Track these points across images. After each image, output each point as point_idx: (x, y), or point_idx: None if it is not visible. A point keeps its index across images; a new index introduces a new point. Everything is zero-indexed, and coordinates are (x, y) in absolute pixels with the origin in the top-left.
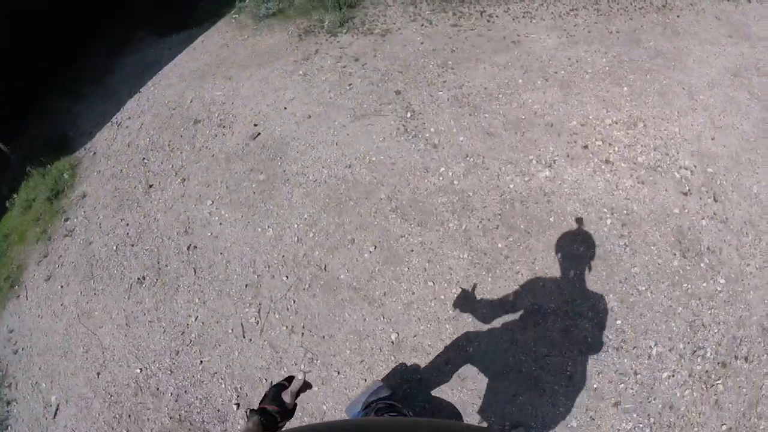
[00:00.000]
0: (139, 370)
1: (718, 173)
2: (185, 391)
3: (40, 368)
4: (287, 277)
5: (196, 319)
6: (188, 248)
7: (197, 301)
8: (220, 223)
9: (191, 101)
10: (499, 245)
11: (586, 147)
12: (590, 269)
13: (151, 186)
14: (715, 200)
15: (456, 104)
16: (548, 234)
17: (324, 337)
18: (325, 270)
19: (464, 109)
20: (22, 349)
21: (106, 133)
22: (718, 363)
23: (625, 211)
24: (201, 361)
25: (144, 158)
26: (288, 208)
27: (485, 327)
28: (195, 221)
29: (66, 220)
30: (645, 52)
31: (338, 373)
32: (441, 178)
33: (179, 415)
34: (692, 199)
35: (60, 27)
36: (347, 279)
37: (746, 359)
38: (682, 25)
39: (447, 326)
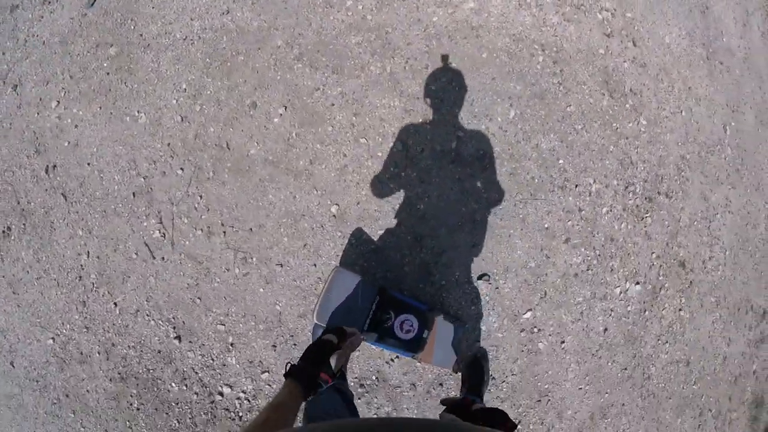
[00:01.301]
0: (51, 340)
1: (636, 19)
2: (113, 344)
3: None
4: (182, 169)
5: (88, 256)
6: (46, 171)
7: (81, 233)
8: (76, 126)
9: None
10: (433, 87)
11: None
12: (529, 108)
13: None
14: (635, 45)
15: None
16: (482, 72)
17: (251, 229)
18: (228, 148)
19: None
20: None
21: None
22: (646, 198)
23: (555, 48)
24: (115, 304)
25: None
26: (158, 82)
27: (432, 180)
28: (44, 133)
29: None
30: None
31: (281, 266)
32: (350, 13)
33: (119, 374)
34: (614, 42)
35: None
36: (259, 154)
37: (667, 195)
38: None
39: (390, 185)
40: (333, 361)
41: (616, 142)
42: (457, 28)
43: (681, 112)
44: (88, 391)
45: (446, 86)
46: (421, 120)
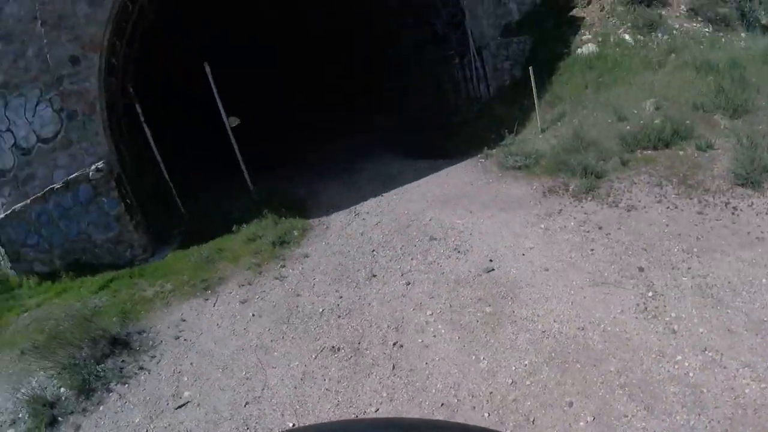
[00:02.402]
0: (291, 425)
1: None
2: None
3: (191, 363)
4: (488, 414)
5: (376, 411)
6: (394, 344)
7: (385, 395)
8: (434, 336)
9: (430, 220)
10: None
11: None
12: None
13: (374, 276)
14: None
15: (699, 293)
16: None
17: None
18: (533, 423)
19: (707, 300)
20: (185, 339)
21: (343, 217)
22: None
23: None
24: None
25: (374, 250)
26: (509, 349)
27: None
28: (409, 324)
29: (282, 266)
30: None
31: None
32: (676, 367)
33: None
34: None
35: None
36: None
37: None
38: None
39: None
40: None
41: None
42: (765, 403)
43: None
44: None
45: None
46: None
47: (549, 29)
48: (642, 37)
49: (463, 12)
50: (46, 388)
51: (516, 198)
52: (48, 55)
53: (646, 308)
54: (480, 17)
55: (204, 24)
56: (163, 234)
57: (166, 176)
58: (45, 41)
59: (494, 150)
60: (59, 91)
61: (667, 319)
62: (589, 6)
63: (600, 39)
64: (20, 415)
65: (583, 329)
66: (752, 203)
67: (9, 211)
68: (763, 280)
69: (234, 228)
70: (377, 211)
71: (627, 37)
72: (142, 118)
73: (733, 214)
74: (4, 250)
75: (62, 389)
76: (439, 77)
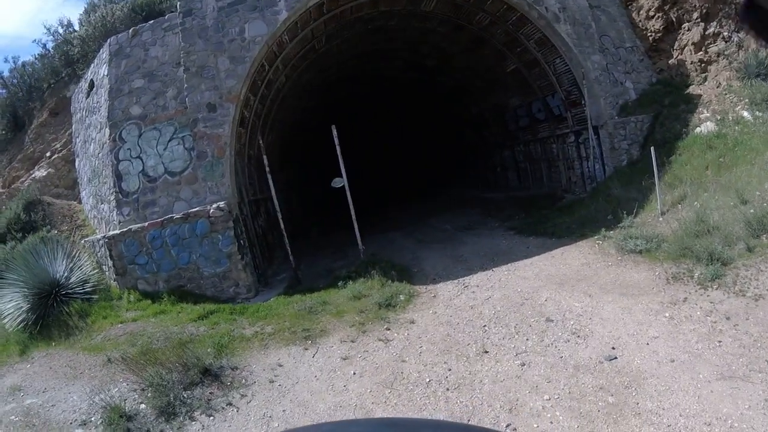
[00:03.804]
0: None
1: None
2: None
3: (284, 410)
4: None
5: None
6: (507, 426)
7: None
8: (551, 422)
9: (546, 300)
10: None
11: None
12: None
13: (486, 352)
14: None
15: None
16: None
17: None
18: None
19: None
20: (279, 385)
21: (451, 288)
22: None
23: None
24: None
25: (485, 326)
26: None
27: None
28: (524, 406)
29: (387, 329)
30: None
31: None
32: None
33: None
34: None
35: None
36: None
37: None
38: None
39: None
40: None
41: None
42: None
43: None
44: None
45: None
46: None
47: (666, 108)
48: (761, 113)
49: (580, 91)
50: (125, 400)
51: (637, 283)
52: (186, 99)
53: None
54: (597, 96)
55: (327, 87)
56: (270, 279)
57: (281, 225)
58: (185, 85)
59: (612, 232)
60: (193, 132)
61: None
62: (706, 83)
63: (718, 117)
64: (92, 419)
65: (709, 425)
66: None
67: (125, 229)
68: None
69: (340, 284)
70: (487, 285)
71: (746, 114)
72: (268, 169)
73: None
74: (112, 263)
75: (143, 405)
76: (553, 155)
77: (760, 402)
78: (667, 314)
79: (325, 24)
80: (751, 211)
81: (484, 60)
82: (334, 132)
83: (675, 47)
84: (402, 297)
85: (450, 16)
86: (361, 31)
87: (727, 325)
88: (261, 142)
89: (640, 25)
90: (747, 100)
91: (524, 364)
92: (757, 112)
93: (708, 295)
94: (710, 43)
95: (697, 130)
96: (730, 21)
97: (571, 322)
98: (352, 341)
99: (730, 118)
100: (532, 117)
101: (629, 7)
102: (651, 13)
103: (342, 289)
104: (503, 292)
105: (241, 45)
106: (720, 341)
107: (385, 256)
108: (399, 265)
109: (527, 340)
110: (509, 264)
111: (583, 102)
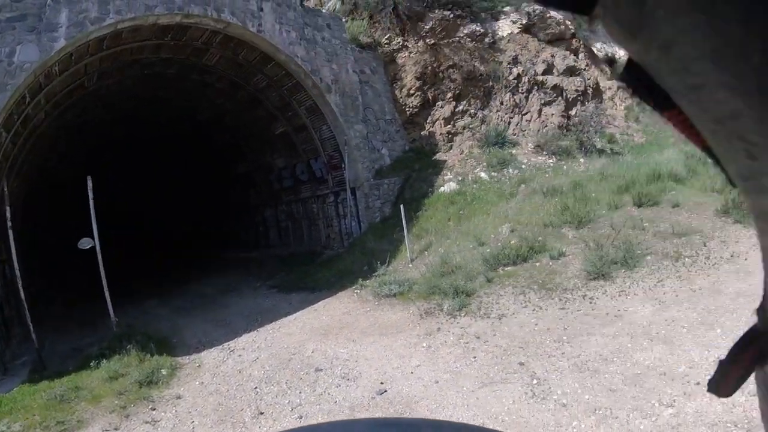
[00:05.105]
0: None
1: None
2: None
3: None
4: None
5: None
6: None
7: None
8: None
9: (312, 352)
10: None
11: (698, 383)
12: None
13: (261, 413)
14: None
15: (577, 370)
16: None
17: None
18: None
19: (585, 374)
20: None
21: (216, 354)
22: None
23: (746, 420)
24: None
25: (256, 387)
26: None
27: None
28: None
29: (153, 409)
30: (727, 296)
31: None
32: (575, 431)
33: None
34: None
35: None
36: None
37: None
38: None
39: None
40: None
41: None
42: (660, 430)
43: None
44: None
45: None
46: None
47: (416, 171)
48: (496, 174)
49: (341, 156)
50: None
51: (395, 323)
52: None
53: (534, 394)
54: (356, 161)
55: (89, 130)
56: (8, 364)
57: (22, 294)
58: None
59: (368, 281)
60: None
61: (555, 396)
62: (451, 150)
63: (460, 177)
64: None
65: (483, 424)
66: (606, 291)
67: None
68: (629, 345)
69: (92, 364)
70: (253, 346)
71: (483, 174)
72: (10, 224)
73: (590, 303)
74: None
75: None
76: (314, 213)
77: (522, 395)
78: (424, 344)
79: (100, 61)
80: (488, 250)
81: (257, 121)
82: (89, 184)
83: (428, 120)
84: (164, 371)
85: (229, 73)
86: (138, 75)
87: (478, 343)
88: (6, 189)
89: (401, 101)
90: (485, 163)
91: (302, 417)
92: (493, 173)
93: (458, 322)
94: (458, 118)
95: (442, 189)
96: (478, 101)
97: (339, 368)
98: (116, 429)
99: (470, 178)
100: (296, 178)
101: (394, 85)
102: (412, 92)
103: (95, 369)
104: (270, 351)
105: (7, 69)
106: (475, 357)
107: (141, 327)
108: (157, 337)
109: (300, 393)
110: (274, 322)
111: (343, 166)
